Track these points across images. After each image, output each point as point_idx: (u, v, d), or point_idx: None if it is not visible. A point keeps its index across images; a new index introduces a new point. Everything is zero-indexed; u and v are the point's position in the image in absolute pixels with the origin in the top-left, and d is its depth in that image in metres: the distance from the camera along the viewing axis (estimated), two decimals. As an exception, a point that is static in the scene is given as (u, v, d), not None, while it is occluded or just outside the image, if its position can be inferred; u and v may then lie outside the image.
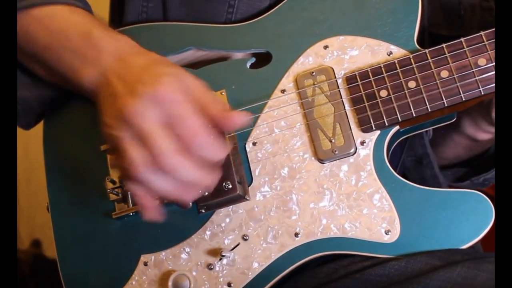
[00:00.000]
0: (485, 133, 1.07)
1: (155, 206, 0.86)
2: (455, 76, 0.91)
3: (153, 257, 0.97)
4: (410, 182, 0.92)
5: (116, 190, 0.99)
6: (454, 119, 0.98)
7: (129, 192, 0.97)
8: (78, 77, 0.92)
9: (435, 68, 0.91)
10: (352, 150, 0.93)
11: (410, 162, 1.13)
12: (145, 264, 0.97)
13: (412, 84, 0.92)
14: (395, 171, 0.93)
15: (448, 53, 0.91)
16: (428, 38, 1.05)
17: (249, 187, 0.96)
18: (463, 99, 0.90)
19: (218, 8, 1.05)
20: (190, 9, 1.06)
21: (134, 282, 0.97)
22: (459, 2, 1.10)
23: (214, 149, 0.83)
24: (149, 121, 0.80)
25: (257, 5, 1.04)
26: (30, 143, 2.08)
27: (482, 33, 0.91)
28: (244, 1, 1.04)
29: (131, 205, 0.98)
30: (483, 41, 0.90)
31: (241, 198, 0.95)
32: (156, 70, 0.85)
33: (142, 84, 0.82)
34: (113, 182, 0.99)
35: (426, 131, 1.13)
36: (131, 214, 0.99)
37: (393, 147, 0.97)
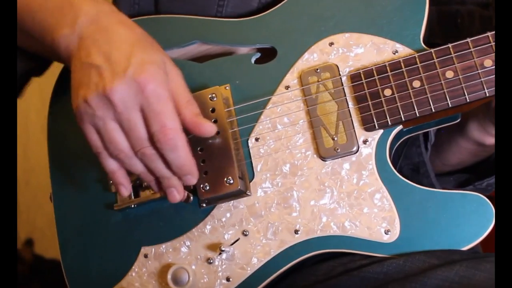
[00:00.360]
0: (493, 137, 1.04)
1: (129, 183, 0.92)
2: (460, 76, 0.90)
3: (153, 249, 0.98)
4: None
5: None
6: (459, 120, 0.97)
7: (131, 184, 0.97)
8: (53, 38, 0.89)
9: (440, 68, 0.91)
10: (355, 149, 0.93)
11: (407, 170, 1.12)
12: (146, 256, 0.98)
13: (416, 83, 0.91)
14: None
15: (454, 53, 0.90)
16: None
17: (251, 183, 0.96)
18: (468, 100, 0.89)
19: (209, 0, 1.04)
20: (180, 1, 1.05)
21: (134, 274, 0.98)
22: (457, 10, 1.08)
23: (184, 155, 0.86)
24: (131, 107, 0.83)
25: None
26: (30, 144, 2.08)
27: (488, 33, 0.90)
28: None
29: (132, 197, 0.99)
30: (490, 42, 0.89)
31: (242, 193, 0.95)
32: (143, 53, 0.85)
33: (128, 67, 0.83)
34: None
35: (427, 136, 1.12)
36: (132, 206, 0.99)
37: (395, 147, 0.97)
